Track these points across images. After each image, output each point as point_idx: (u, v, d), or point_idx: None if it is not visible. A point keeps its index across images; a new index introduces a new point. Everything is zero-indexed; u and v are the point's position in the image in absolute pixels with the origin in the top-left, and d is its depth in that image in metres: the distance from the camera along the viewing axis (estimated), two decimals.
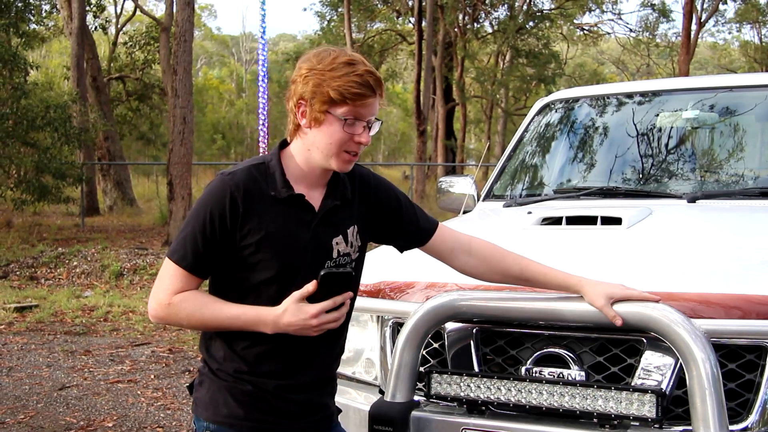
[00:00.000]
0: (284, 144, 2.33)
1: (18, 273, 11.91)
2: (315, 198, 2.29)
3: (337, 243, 2.29)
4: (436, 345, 2.78)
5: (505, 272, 2.50)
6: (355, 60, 2.19)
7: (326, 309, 2.14)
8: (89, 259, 12.37)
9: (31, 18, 21.98)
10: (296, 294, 2.14)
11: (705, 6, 34.28)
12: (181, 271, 2.22)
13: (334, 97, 2.16)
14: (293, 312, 2.13)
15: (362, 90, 2.16)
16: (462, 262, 2.52)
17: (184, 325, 2.29)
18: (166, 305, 2.23)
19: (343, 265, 2.29)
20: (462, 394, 2.56)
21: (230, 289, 2.26)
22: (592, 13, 37.23)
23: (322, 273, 2.12)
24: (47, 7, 25.53)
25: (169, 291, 2.23)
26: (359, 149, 2.23)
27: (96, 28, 28.53)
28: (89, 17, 26.15)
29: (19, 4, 18.89)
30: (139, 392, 6.26)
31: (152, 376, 6.71)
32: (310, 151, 2.24)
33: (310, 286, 2.12)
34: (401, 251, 2.59)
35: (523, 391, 2.47)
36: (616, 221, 3.25)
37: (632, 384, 2.43)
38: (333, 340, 2.34)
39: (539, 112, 4.91)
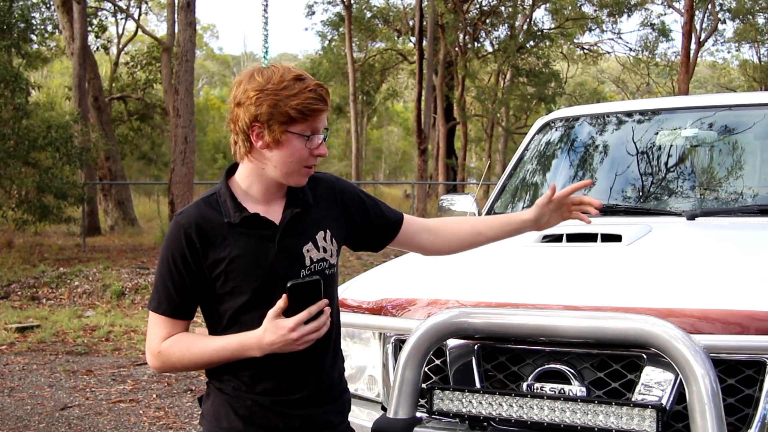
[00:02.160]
0: (232, 170, 2.34)
1: (19, 293, 11.92)
2: (275, 212, 2.29)
3: (308, 250, 2.28)
4: (437, 362, 2.79)
5: (459, 235, 2.57)
6: (302, 75, 2.20)
7: (303, 320, 2.11)
8: (91, 278, 12.38)
9: (33, 39, 22.08)
10: (271, 312, 2.12)
11: (704, 26, 34.45)
12: (161, 318, 2.27)
13: (294, 116, 2.16)
14: (272, 330, 2.12)
15: (319, 105, 2.17)
16: (424, 241, 2.58)
17: (180, 368, 2.31)
18: (158, 353, 2.27)
19: (319, 272, 2.28)
20: (464, 410, 2.57)
21: (217, 321, 2.28)
22: (592, 32, 37.42)
23: (289, 284, 2.10)
24: (49, 28, 25.67)
25: (158, 339, 2.27)
26: (316, 162, 2.24)
27: (98, 48, 28.70)
28: (91, 37, 26.30)
29: (21, 25, 18.97)
30: (141, 412, 6.26)
31: (154, 396, 6.71)
32: (266, 169, 2.24)
33: (281, 301, 2.11)
34: (376, 250, 2.59)
35: (524, 407, 2.48)
36: (616, 238, 3.27)
37: (633, 399, 2.44)
38: (325, 349, 2.33)
39: (540, 131, 4.94)
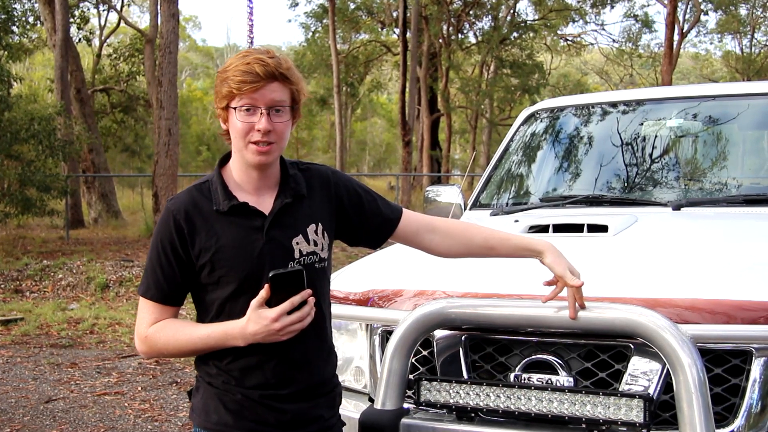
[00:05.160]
0: (225, 159, 2.34)
1: (3, 286, 11.85)
2: (266, 202, 2.28)
3: (297, 243, 2.26)
4: (425, 352, 2.79)
5: (469, 243, 2.52)
6: (250, 52, 2.20)
7: (285, 311, 2.10)
8: (74, 271, 12.32)
9: (15, 30, 21.91)
10: (254, 301, 2.12)
11: (687, 17, 34.58)
12: (150, 303, 2.27)
13: (225, 91, 2.19)
14: (254, 320, 2.11)
15: (245, 77, 2.15)
16: (428, 241, 2.53)
17: (165, 354, 2.31)
18: (144, 338, 2.27)
19: (309, 265, 2.26)
20: (451, 401, 2.57)
21: (205, 310, 2.28)
22: (576, 23, 37.49)
23: (270, 275, 2.09)
24: (31, 19, 25.48)
25: (145, 324, 2.27)
26: (268, 138, 2.18)
27: (80, 40, 28.46)
28: (73, 29, 26.10)
29: (3, 16, 18.83)
30: (126, 404, 6.24)
31: (139, 388, 6.68)
32: (236, 153, 2.26)
33: (263, 291, 2.10)
34: (375, 247, 2.57)
35: (512, 397, 2.49)
36: (603, 229, 3.28)
37: (620, 389, 2.45)
38: (314, 341, 2.32)
39: (525, 122, 4.94)
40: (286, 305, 2.11)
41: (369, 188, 2.52)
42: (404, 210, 2.55)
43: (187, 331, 2.23)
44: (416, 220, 2.54)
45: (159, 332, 2.24)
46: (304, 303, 2.14)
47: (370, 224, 2.48)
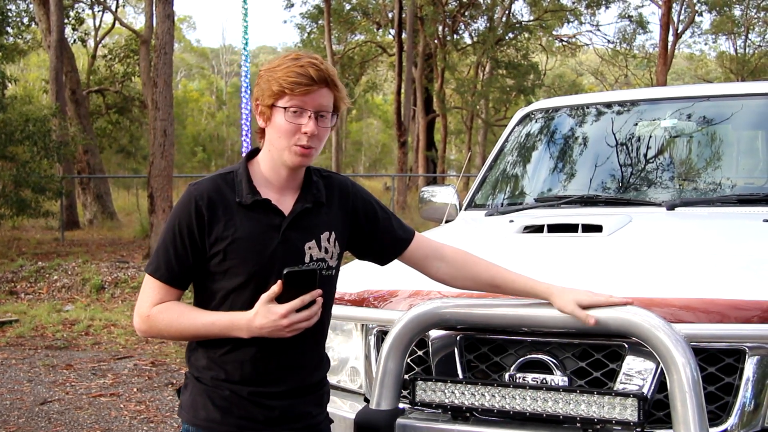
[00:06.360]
0: (253, 154, 2.37)
1: None
2: (286, 202, 2.30)
3: (309, 248, 2.29)
4: (420, 352, 2.80)
5: (476, 278, 2.53)
6: (302, 56, 2.23)
7: (295, 308, 2.12)
8: (70, 273, 12.30)
9: (9, 31, 21.87)
10: (264, 296, 2.14)
11: (681, 18, 34.61)
12: (157, 283, 2.27)
13: (275, 90, 2.20)
14: (263, 314, 2.13)
15: (300, 79, 2.18)
16: (435, 269, 2.55)
17: (165, 336, 2.31)
18: (146, 317, 2.27)
19: (319, 269, 2.28)
20: (446, 400, 2.58)
21: (208, 298, 2.29)
22: (571, 24, 37.49)
23: (285, 272, 2.11)
24: (25, 20, 25.44)
25: (148, 303, 2.28)
26: (311, 142, 2.22)
27: (75, 41, 28.43)
28: (68, 30, 26.08)
29: None
30: (121, 406, 6.23)
31: (135, 390, 6.68)
32: (271, 151, 2.28)
33: (276, 287, 2.12)
34: (382, 264, 2.59)
35: (507, 397, 2.49)
36: (597, 229, 3.29)
37: (614, 388, 2.45)
38: (311, 346, 2.34)
39: (520, 122, 4.95)
40: (296, 302, 2.13)
41: (385, 206, 2.55)
42: (416, 233, 2.57)
43: (191, 315, 2.24)
44: (427, 246, 2.55)
45: (162, 313, 2.25)
46: (312, 302, 2.16)
47: (381, 241, 2.50)
